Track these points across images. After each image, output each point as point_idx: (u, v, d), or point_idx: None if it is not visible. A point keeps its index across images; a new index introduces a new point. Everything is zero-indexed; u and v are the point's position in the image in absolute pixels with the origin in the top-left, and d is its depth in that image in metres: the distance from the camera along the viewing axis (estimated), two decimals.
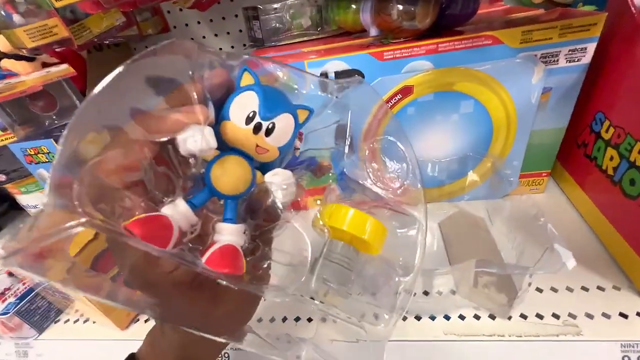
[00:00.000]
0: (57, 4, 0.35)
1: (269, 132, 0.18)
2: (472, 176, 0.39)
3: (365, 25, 0.37)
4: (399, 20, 0.32)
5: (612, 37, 0.32)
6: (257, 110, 0.17)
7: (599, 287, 0.30)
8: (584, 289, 0.30)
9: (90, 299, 0.32)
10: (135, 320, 0.37)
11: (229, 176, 0.17)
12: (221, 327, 0.19)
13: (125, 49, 0.63)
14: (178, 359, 0.21)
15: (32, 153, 0.41)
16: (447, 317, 0.30)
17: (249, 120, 0.17)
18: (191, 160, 0.17)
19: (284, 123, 0.18)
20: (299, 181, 0.20)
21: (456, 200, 0.41)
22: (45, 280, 0.14)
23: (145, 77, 0.17)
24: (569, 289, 0.30)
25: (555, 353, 0.27)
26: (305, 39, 0.45)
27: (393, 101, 0.35)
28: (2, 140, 0.42)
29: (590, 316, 0.28)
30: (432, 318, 0.30)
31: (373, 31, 0.36)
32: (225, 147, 0.18)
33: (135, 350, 0.23)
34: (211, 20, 0.60)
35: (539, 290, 0.31)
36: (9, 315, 0.35)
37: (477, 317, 0.30)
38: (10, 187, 0.48)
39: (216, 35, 0.61)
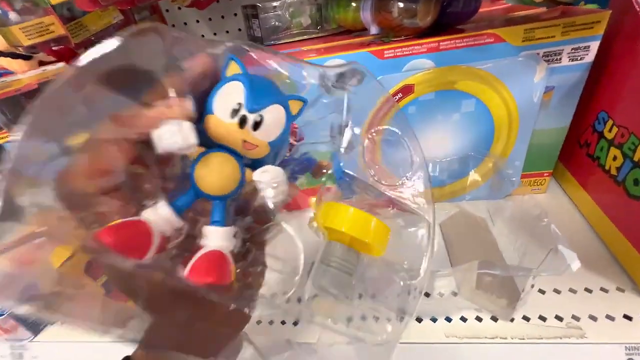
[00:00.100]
0: (54, 1, 0.35)
1: (256, 125, 0.16)
2: (473, 176, 0.38)
3: (365, 23, 0.37)
4: (399, 18, 0.32)
5: (616, 35, 0.31)
6: (242, 102, 0.16)
7: (602, 289, 0.30)
8: (587, 290, 0.30)
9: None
10: None
11: (215, 175, 0.16)
12: (209, 342, 0.18)
13: None
14: None
15: None
16: (448, 319, 0.29)
17: (234, 113, 0.16)
18: (172, 162, 0.16)
19: (273, 115, 0.17)
20: (291, 180, 0.19)
21: (457, 200, 0.40)
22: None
23: (112, 70, 0.15)
24: (572, 291, 0.30)
25: (558, 356, 0.26)
26: (305, 37, 0.44)
27: None
28: None
29: (594, 318, 0.27)
30: (434, 320, 0.30)
31: (373, 29, 0.36)
32: (211, 144, 0.16)
33: (130, 353, 0.23)
34: (210, 19, 0.59)
35: (542, 291, 0.30)
36: (4, 317, 0.34)
37: (479, 319, 0.29)
38: None
39: (215, 34, 0.61)
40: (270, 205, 0.18)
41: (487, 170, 0.38)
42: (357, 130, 0.22)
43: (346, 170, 0.23)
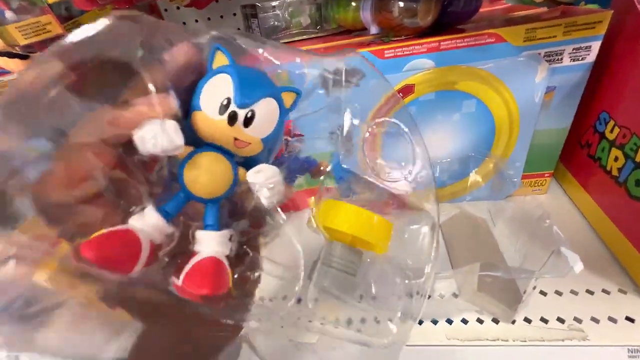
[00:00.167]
0: (51, 0, 0.35)
1: (247, 121, 0.15)
2: (474, 177, 0.38)
3: (365, 23, 0.36)
4: (400, 17, 0.32)
5: (617, 35, 0.31)
6: (231, 97, 0.15)
7: (604, 291, 0.29)
8: (589, 292, 0.29)
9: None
10: None
11: (206, 177, 0.15)
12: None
13: None
14: None
15: None
16: (449, 321, 0.29)
17: (222, 109, 0.15)
18: (158, 164, 0.15)
19: (265, 110, 0.16)
20: (289, 181, 0.18)
21: (458, 201, 0.40)
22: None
23: (82, 64, 0.13)
24: (574, 292, 0.30)
25: (560, 358, 0.26)
26: (304, 37, 0.44)
27: None
28: None
29: (596, 320, 0.27)
30: (434, 322, 0.29)
31: (373, 29, 0.36)
32: (200, 142, 0.15)
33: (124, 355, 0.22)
34: (209, 19, 0.59)
35: (543, 293, 0.30)
36: None
37: (480, 321, 0.29)
38: None
39: None
40: (266, 205, 0.17)
41: (488, 170, 0.38)
42: (356, 122, 0.21)
43: (346, 167, 0.22)
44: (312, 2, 0.42)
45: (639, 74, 0.29)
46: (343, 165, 0.22)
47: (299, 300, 0.17)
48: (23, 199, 0.13)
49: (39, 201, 0.13)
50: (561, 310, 0.28)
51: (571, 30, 0.30)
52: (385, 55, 0.33)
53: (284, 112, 0.17)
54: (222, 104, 0.15)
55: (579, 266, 0.22)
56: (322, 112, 0.21)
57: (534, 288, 0.27)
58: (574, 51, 0.31)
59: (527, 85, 0.32)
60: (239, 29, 0.59)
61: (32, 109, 0.13)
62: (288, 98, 0.17)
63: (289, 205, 0.18)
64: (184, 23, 0.60)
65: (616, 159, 0.31)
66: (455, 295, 0.31)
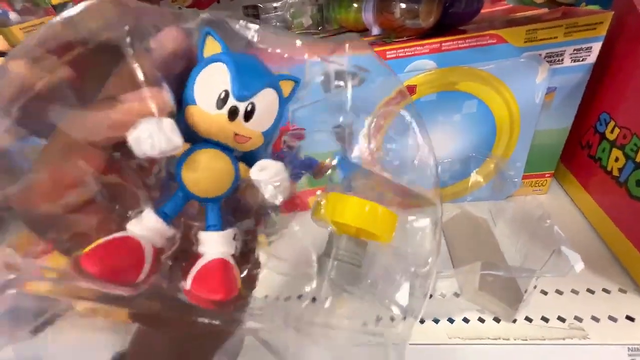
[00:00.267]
0: (55, 2, 0.35)
1: (247, 115, 0.14)
2: (474, 177, 0.38)
3: (367, 24, 0.37)
4: (402, 18, 0.32)
5: (618, 36, 0.31)
6: (229, 89, 0.13)
7: (604, 290, 0.30)
8: (590, 291, 0.30)
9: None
10: None
11: (206, 175, 0.14)
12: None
13: None
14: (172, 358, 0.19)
15: None
16: (450, 320, 0.29)
17: (220, 102, 0.13)
18: (156, 166, 0.14)
19: (265, 101, 0.15)
20: (293, 179, 0.17)
21: (459, 201, 0.40)
22: None
23: (59, 52, 0.12)
24: (574, 292, 0.30)
25: (561, 357, 0.26)
26: None
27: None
28: None
29: (596, 319, 0.27)
30: (436, 321, 0.30)
31: (375, 30, 0.36)
32: (195, 138, 0.14)
33: (121, 349, 0.20)
34: None
35: (544, 292, 0.30)
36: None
37: (481, 320, 0.29)
38: None
39: None
40: (271, 203, 0.16)
41: (489, 171, 0.38)
42: (363, 116, 0.20)
43: (353, 158, 0.21)
44: (314, 3, 0.43)
45: (639, 74, 0.29)
46: (351, 160, 0.21)
47: (313, 299, 0.17)
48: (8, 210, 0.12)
49: (24, 214, 0.12)
50: (562, 309, 0.29)
51: (572, 31, 0.30)
52: (387, 56, 0.33)
53: (283, 102, 0.16)
54: (219, 97, 0.13)
55: (579, 265, 0.23)
56: (324, 105, 0.20)
57: (535, 287, 0.27)
58: (575, 52, 0.31)
59: (527, 85, 0.32)
60: None
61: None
62: (286, 87, 0.16)
63: (291, 205, 0.18)
64: None
65: (617, 159, 0.31)
66: (456, 295, 0.31)
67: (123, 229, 0.13)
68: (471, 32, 0.31)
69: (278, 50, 0.16)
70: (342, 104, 0.20)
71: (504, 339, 0.27)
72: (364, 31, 0.40)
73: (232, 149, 0.15)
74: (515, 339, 0.27)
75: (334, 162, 0.21)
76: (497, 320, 0.29)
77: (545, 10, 0.36)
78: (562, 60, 0.32)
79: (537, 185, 0.41)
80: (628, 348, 0.26)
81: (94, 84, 0.13)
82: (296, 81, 0.16)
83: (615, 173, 0.32)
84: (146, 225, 0.13)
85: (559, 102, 0.34)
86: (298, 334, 0.16)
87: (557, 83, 0.33)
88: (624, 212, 0.31)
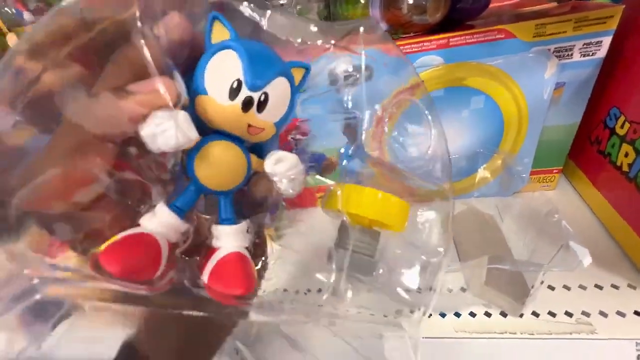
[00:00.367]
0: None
1: (260, 105, 0.13)
2: (482, 173, 0.38)
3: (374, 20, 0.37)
4: (409, 14, 0.32)
5: (629, 30, 0.31)
6: (242, 78, 0.13)
7: (613, 285, 0.29)
8: (598, 287, 0.30)
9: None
10: None
11: (220, 168, 0.14)
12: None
13: None
14: (181, 350, 0.18)
15: None
16: (457, 315, 0.30)
17: (233, 92, 0.13)
18: (171, 160, 0.13)
19: (278, 90, 0.14)
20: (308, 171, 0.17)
21: (466, 197, 0.40)
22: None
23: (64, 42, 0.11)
24: (582, 287, 0.30)
25: (568, 351, 0.27)
26: None
27: None
28: None
29: (604, 314, 0.27)
30: (442, 315, 0.30)
31: (382, 26, 0.36)
32: (206, 130, 0.14)
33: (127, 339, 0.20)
34: None
35: (551, 288, 0.30)
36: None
37: (488, 314, 0.29)
38: None
39: None
40: (286, 197, 0.16)
41: (496, 167, 0.38)
42: (377, 106, 0.20)
43: (367, 151, 0.21)
44: None
45: None
46: (359, 152, 0.21)
47: (332, 292, 0.17)
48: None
49: (37, 214, 0.12)
50: (569, 304, 0.29)
51: (582, 25, 0.30)
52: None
53: (295, 90, 0.15)
54: (232, 87, 0.13)
55: (587, 260, 0.23)
56: (331, 97, 0.20)
57: (542, 282, 0.28)
58: (585, 46, 0.31)
59: (536, 81, 0.32)
60: None
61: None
62: (297, 74, 0.15)
63: (297, 202, 0.18)
64: None
65: (627, 154, 0.31)
66: (463, 290, 0.32)
67: (136, 224, 0.13)
68: (479, 28, 0.31)
69: (291, 39, 0.15)
70: (351, 95, 0.19)
71: (510, 333, 0.28)
72: None
73: (243, 140, 0.14)
74: (522, 333, 0.27)
75: (342, 150, 0.21)
76: (503, 314, 0.29)
77: (554, 4, 0.36)
78: (572, 55, 0.31)
79: (545, 181, 0.41)
80: (636, 343, 0.25)
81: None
82: (307, 68, 0.16)
83: (625, 168, 0.31)
84: (160, 221, 0.13)
85: (568, 98, 0.34)
86: (318, 326, 0.16)
87: (566, 78, 0.33)
88: (633, 208, 0.31)
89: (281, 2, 0.44)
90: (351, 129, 0.21)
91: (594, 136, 0.37)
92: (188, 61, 0.13)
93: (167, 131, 0.12)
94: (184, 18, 0.13)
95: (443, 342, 0.28)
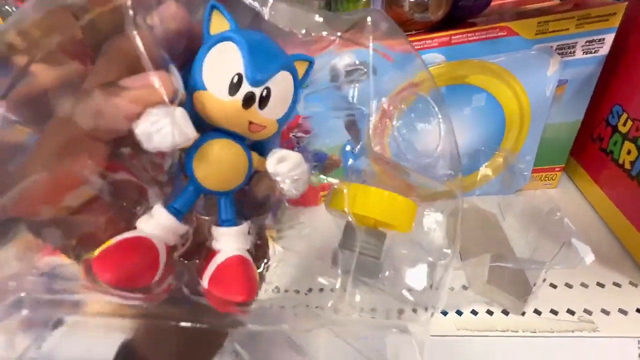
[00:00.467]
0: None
1: (262, 101, 0.13)
2: (484, 171, 0.38)
3: None
4: (411, 12, 0.32)
5: (631, 28, 0.31)
6: (243, 72, 0.12)
7: (615, 283, 0.29)
8: (600, 285, 0.30)
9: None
10: None
11: (220, 167, 0.13)
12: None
13: None
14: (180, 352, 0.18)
15: None
16: (459, 313, 0.30)
17: (234, 87, 0.12)
18: (168, 160, 0.13)
19: (281, 85, 0.13)
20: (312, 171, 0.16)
21: (467, 195, 0.40)
22: None
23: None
24: (584, 285, 0.30)
25: (570, 349, 0.26)
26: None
27: None
28: None
29: (606, 312, 0.27)
30: (444, 313, 0.30)
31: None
32: (204, 127, 0.13)
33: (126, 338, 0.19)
34: None
35: (553, 286, 0.30)
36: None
37: (490, 312, 0.29)
38: None
39: None
40: (289, 197, 0.15)
41: (498, 164, 0.38)
42: (383, 99, 0.19)
43: (375, 148, 0.20)
44: None
45: None
46: (363, 149, 0.21)
47: (333, 293, 0.16)
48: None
49: (25, 221, 0.11)
50: (571, 302, 0.29)
51: (584, 22, 0.30)
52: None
53: (298, 85, 0.14)
54: (232, 81, 0.12)
55: (589, 257, 0.23)
56: (334, 93, 0.20)
57: (544, 280, 0.27)
58: (587, 44, 0.31)
59: (538, 78, 0.32)
60: None
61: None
62: (300, 68, 0.14)
63: (299, 200, 0.17)
64: None
65: (629, 152, 0.31)
66: (465, 288, 0.31)
67: (132, 226, 0.12)
68: (481, 25, 0.31)
69: (294, 30, 0.14)
70: (357, 90, 0.19)
71: (512, 331, 0.28)
72: None
73: (244, 137, 0.14)
74: (524, 331, 0.27)
75: (348, 148, 0.21)
76: (505, 312, 0.29)
77: (556, 1, 0.36)
78: (574, 52, 0.31)
79: (546, 179, 0.41)
80: (638, 341, 0.25)
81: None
82: (311, 61, 0.15)
83: (627, 166, 0.31)
84: (158, 223, 0.12)
85: (570, 95, 0.34)
86: (323, 329, 0.15)
87: (568, 75, 0.33)
88: (635, 206, 0.31)
89: None
90: (355, 126, 0.21)
91: (596, 134, 0.37)
92: (185, 54, 0.13)
93: (163, 129, 0.11)
94: (180, 7, 0.12)
95: (445, 340, 0.28)
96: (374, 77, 0.18)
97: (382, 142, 0.21)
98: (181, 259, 0.14)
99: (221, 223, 0.14)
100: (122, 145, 0.12)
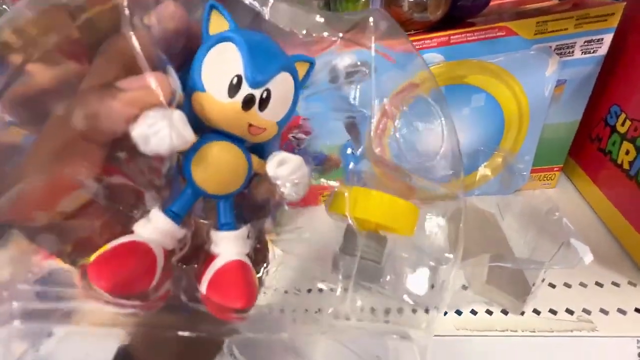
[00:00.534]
0: None
1: (262, 102, 0.12)
2: (483, 171, 0.38)
3: None
4: (410, 12, 0.32)
5: (629, 27, 0.31)
6: (242, 74, 0.12)
7: (613, 283, 0.29)
8: (598, 284, 0.30)
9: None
10: None
11: (219, 170, 0.13)
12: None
13: None
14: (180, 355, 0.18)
15: None
16: (458, 312, 0.30)
17: (233, 89, 0.12)
18: (166, 163, 0.12)
19: (281, 87, 0.13)
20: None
21: (466, 195, 0.40)
22: None
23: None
24: (583, 285, 0.30)
25: (569, 349, 0.27)
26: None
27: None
28: None
29: (605, 312, 0.27)
30: (444, 313, 0.30)
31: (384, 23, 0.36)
32: (203, 128, 0.13)
33: (124, 342, 0.19)
34: None
35: (552, 285, 0.30)
36: None
37: (489, 312, 0.29)
38: None
39: None
40: (289, 201, 0.15)
41: (497, 165, 0.38)
42: (385, 101, 0.19)
43: (376, 150, 0.20)
44: None
45: None
46: (363, 150, 0.20)
47: (340, 298, 0.16)
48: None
49: (19, 228, 0.11)
50: (570, 302, 0.29)
51: (583, 22, 0.30)
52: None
53: (298, 86, 0.14)
54: (231, 83, 0.12)
55: (588, 257, 0.23)
56: (334, 94, 0.19)
57: (543, 280, 0.28)
58: (586, 44, 0.31)
59: (537, 78, 0.32)
60: None
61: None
62: (301, 69, 0.14)
63: (299, 201, 0.16)
64: None
65: (627, 152, 0.31)
66: (464, 288, 0.31)
67: (129, 230, 0.12)
68: (480, 25, 0.31)
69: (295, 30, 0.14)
70: (358, 92, 0.19)
71: (511, 331, 0.28)
72: None
73: (243, 139, 0.14)
74: (523, 331, 0.27)
75: (349, 151, 0.21)
76: (504, 312, 0.29)
77: (555, 1, 0.36)
78: (573, 52, 0.31)
79: (545, 179, 0.41)
80: (637, 340, 0.26)
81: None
82: (311, 62, 0.15)
83: (626, 166, 0.31)
84: (155, 227, 0.12)
85: (569, 95, 0.34)
86: (325, 335, 0.15)
87: (567, 75, 0.33)
88: (634, 206, 0.31)
89: None
90: (356, 128, 0.21)
91: (594, 134, 0.37)
92: (183, 54, 0.12)
93: (160, 132, 0.11)
94: (178, 6, 0.12)
95: (444, 339, 0.28)
96: (376, 76, 0.17)
97: (382, 142, 0.21)
98: (179, 263, 0.14)
99: (220, 227, 0.14)
100: (118, 148, 0.12)
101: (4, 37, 0.10)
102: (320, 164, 0.24)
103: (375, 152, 0.19)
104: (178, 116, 0.11)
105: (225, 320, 0.13)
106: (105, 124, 0.11)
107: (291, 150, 0.16)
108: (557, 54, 0.31)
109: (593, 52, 0.31)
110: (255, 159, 0.14)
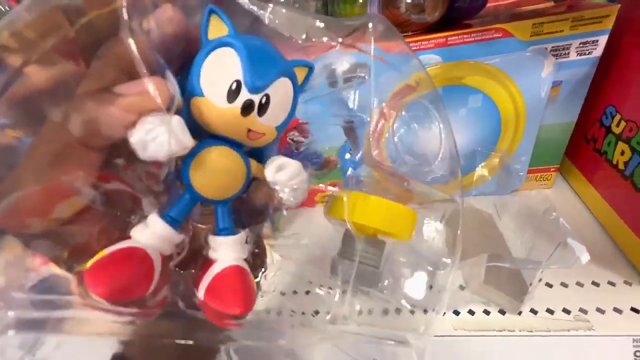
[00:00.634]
0: None
1: (261, 108, 0.12)
2: (479, 171, 0.38)
3: None
4: (407, 13, 0.32)
5: (624, 29, 0.31)
6: (241, 79, 0.12)
7: (609, 282, 0.30)
8: (595, 284, 0.30)
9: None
10: None
11: (217, 175, 0.13)
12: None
13: None
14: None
15: None
16: (456, 313, 0.30)
17: (232, 94, 0.12)
18: (164, 169, 0.12)
19: (281, 92, 0.13)
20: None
21: (463, 196, 0.40)
22: None
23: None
24: (580, 284, 0.30)
25: (566, 348, 0.27)
26: None
27: None
28: None
29: (601, 311, 0.28)
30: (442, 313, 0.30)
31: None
32: (201, 133, 0.13)
33: (118, 349, 0.19)
34: None
35: (549, 285, 0.30)
36: None
37: (486, 312, 0.29)
38: None
39: None
40: (288, 206, 0.15)
41: (494, 165, 0.38)
42: (383, 104, 0.19)
43: (373, 153, 0.20)
44: None
45: None
46: (361, 154, 0.20)
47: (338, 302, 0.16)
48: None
49: (16, 235, 0.11)
50: (567, 301, 0.29)
51: (578, 24, 0.30)
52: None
53: (297, 91, 0.14)
54: (230, 88, 0.12)
55: (585, 257, 0.23)
56: (333, 99, 0.20)
57: (540, 280, 0.28)
58: (581, 45, 0.31)
59: (533, 79, 0.32)
60: None
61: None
62: (299, 73, 0.14)
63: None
64: None
65: (622, 152, 0.32)
66: (462, 288, 0.32)
67: (126, 235, 0.12)
68: (477, 27, 0.31)
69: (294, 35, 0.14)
70: (357, 96, 0.19)
71: (509, 331, 0.28)
72: None
73: (241, 144, 0.13)
74: (520, 331, 0.28)
75: (347, 156, 0.21)
76: (502, 312, 0.29)
77: (550, 3, 0.36)
78: (568, 53, 0.32)
79: (542, 179, 0.41)
80: (633, 339, 0.26)
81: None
82: (310, 67, 0.15)
83: (621, 166, 0.32)
84: (153, 233, 0.12)
85: (565, 96, 0.34)
86: (324, 340, 0.15)
87: (562, 77, 0.33)
88: (629, 206, 0.31)
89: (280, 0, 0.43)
90: (354, 133, 0.21)
91: (590, 134, 0.37)
92: (182, 59, 0.12)
93: (158, 138, 0.11)
94: (177, 10, 0.11)
95: (442, 340, 0.28)
96: (375, 81, 0.17)
97: (379, 145, 0.21)
98: (177, 268, 0.14)
99: (218, 232, 0.14)
100: (115, 153, 0.12)
101: (2, 40, 0.10)
102: (319, 168, 0.24)
103: (373, 157, 0.19)
104: (177, 122, 0.11)
105: (222, 326, 0.13)
106: (103, 129, 0.10)
107: (289, 154, 0.15)
108: (553, 55, 0.32)
109: (588, 54, 0.32)
110: (253, 163, 0.14)
